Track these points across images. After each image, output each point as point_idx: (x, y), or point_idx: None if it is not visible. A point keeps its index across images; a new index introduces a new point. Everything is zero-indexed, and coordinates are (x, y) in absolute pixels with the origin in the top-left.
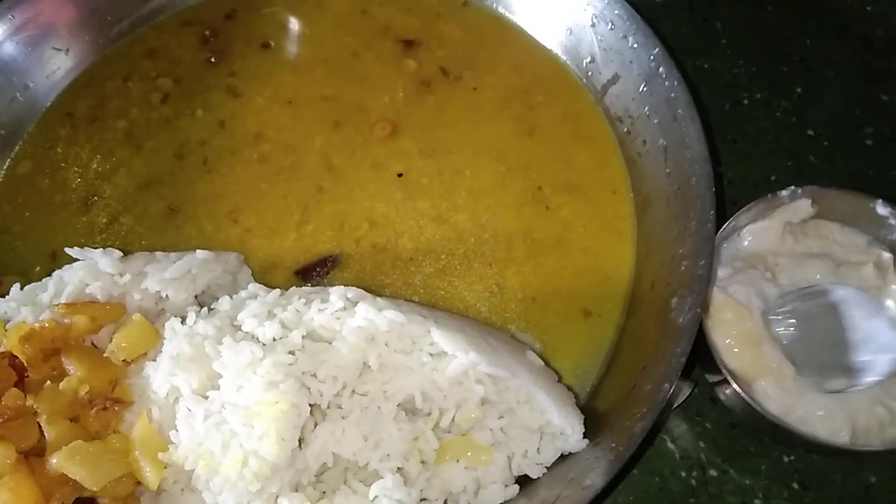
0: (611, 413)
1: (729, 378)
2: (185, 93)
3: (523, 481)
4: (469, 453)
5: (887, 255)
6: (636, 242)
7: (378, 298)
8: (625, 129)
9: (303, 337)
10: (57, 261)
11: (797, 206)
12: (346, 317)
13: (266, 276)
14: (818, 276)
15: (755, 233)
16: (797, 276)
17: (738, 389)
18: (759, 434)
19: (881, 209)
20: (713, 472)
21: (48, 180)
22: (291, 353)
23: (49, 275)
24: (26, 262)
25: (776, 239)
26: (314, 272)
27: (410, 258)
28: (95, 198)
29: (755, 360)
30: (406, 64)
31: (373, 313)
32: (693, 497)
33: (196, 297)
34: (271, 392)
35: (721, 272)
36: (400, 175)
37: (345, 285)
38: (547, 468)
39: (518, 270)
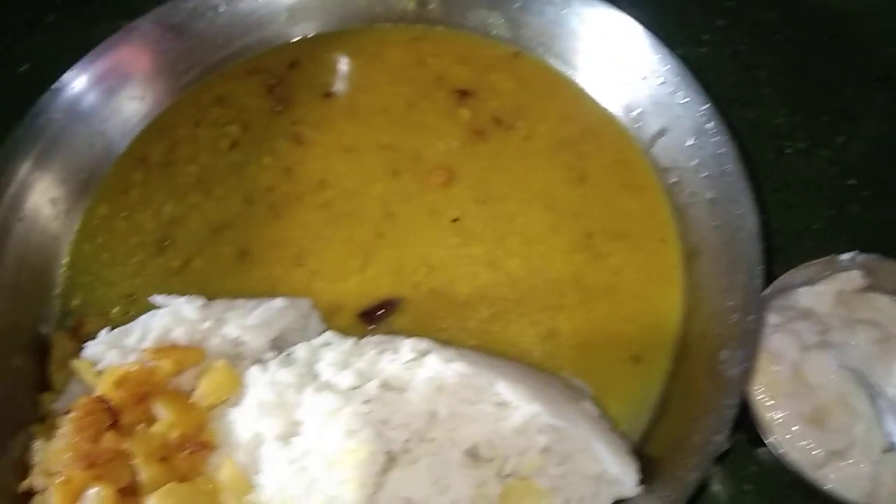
0: (663, 461)
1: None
2: (252, 139)
3: None
4: (529, 498)
5: None
6: (684, 291)
7: (447, 349)
8: (673, 180)
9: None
10: (134, 302)
11: (852, 275)
12: (416, 367)
13: (331, 319)
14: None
15: (808, 295)
16: (846, 338)
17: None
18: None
19: None
20: None
21: (124, 223)
22: (367, 402)
23: (126, 315)
24: (105, 303)
25: (829, 304)
26: (376, 315)
27: (466, 303)
28: (169, 241)
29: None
30: (460, 113)
31: (441, 365)
32: None
33: (274, 340)
34: (351, 440)
35: (771, 319)
36: (455, 221)
37: (406, 329)
38: None
39: (570, 316)
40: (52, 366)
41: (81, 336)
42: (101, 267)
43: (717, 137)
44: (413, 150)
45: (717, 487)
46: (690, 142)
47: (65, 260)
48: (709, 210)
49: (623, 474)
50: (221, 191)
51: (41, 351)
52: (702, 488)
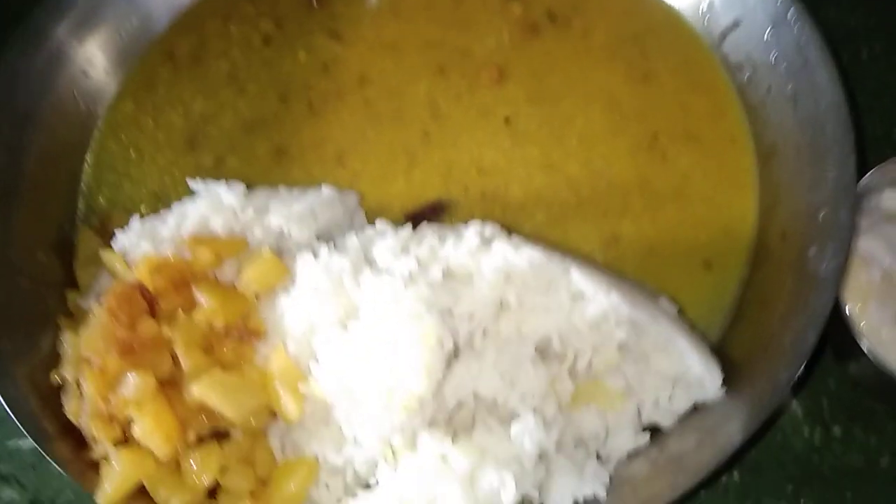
0: (745, 364)
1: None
2: (286, 35)
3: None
4: (601, 398)
5: None
6: (760, 194)
7: (513, 236)
8: (745, 77)
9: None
10: (163, 200)
11: None
12: (482, 254)
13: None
14: None
15: (893, 197)
16: None
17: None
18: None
19: None
20: (837, 430)
21: (151, 120)
22: (431, 287)
23: (156, 213)
24: (133, 201)
25: None
26: (424, 218)
27: (521, 206)
28: (200, 139)
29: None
30: (511, 8)
31: (511, 252)
32: (816, 454)
33: (317, 235)
34: (416, 325)
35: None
36: (507, 121)
37: None
38: (678, 418)
39: (635, 221)
40: (77, 263)
41: (108, 233)
42: (128, 164)
43: (799, 26)
44: (461, 47)
45: (792, 403)
46: (767, 33)
47: (88, 157)
48: (789, 105)
49: (706, 375)
50: (255, 88)
51: (66, 250)
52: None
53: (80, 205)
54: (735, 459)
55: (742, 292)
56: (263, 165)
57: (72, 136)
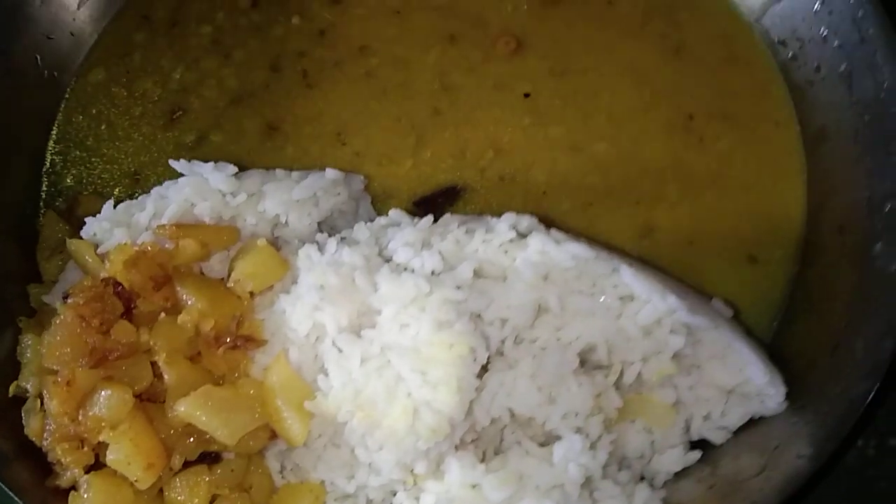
0: (804, 375)
1: None
2: None
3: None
4: (649, 414)
5: None
6: (809, 181)
7: (552, 230)
8: (789, 54)
9: None
10: (140, 182)
11: None
12: (516, 250)
13: (382, 207)
14: None
15: None
16: None
17: None
18: None
19: None
20: (894, 442)
21: (125, 91)
22: (459, 288)
23: (132, 196)
24: (104, 181)
25: None
26: (435, 204)
27: (544, 192)
28: (181, 112)
29: None
30: None
31: (551, 246)
32: (872, 468)
33: (318, 224)
34: (445, 333)
35: None
36: (527, 96)
37: None
38: (732, 434)
39: (671, 210)
40: (40, 252)
41: (76, 218)
42: (99, 141)
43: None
44: (474, 14)
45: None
46: (816, 7)
47: (53, 132)
48: (843, 85)
49: (768, 386)
50: (242, 55)
51: (27, 238)
52: None
53: (44, 186)
54: (808, 490)
55: (792, 291)
56: (252, 143)
57: (33, 107)
